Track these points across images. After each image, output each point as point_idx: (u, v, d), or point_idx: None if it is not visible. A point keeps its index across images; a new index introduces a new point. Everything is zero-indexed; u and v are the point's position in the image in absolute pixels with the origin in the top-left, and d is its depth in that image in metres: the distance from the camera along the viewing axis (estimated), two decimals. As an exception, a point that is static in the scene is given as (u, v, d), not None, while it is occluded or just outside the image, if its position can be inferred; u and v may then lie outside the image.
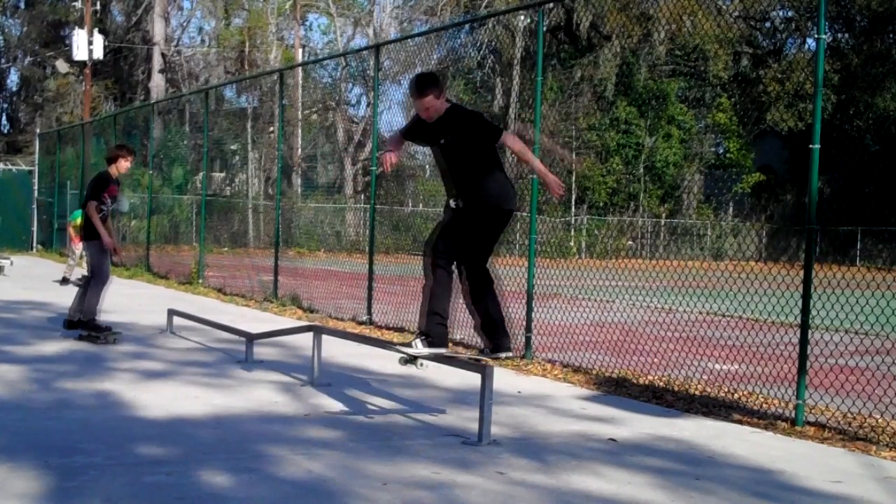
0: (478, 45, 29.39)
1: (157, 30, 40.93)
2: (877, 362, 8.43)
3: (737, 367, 8.65)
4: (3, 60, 47.10)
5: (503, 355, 5.94)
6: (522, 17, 23.57)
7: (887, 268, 23.60)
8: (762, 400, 6.86)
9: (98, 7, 34.84)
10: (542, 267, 9.58)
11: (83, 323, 9.01)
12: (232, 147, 34.46)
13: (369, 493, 4.26)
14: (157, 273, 18.25)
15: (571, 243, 30.83)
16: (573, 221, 32.55)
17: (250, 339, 8.28)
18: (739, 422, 6.29)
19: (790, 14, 36.35)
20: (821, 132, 6.26)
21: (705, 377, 7.70)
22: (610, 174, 34.84)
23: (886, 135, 30.92)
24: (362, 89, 37.18)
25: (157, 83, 40.25)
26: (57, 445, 4.92)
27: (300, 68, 32.74)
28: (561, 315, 9.75)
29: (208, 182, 20.72)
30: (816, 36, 6.49)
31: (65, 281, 16.05)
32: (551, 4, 11.17)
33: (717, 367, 8.61)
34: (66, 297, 13.19)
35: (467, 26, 26.45)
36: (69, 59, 35.06)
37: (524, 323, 8.66)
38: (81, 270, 16.20)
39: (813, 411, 6.40)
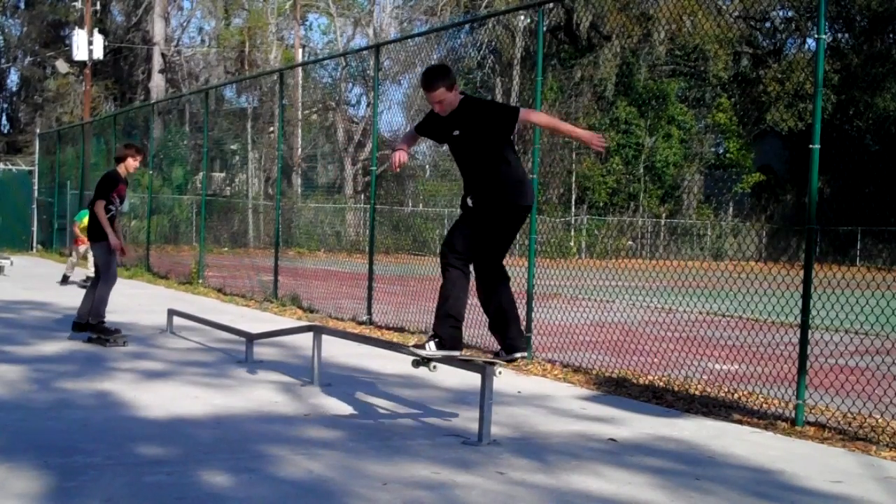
0: (478, 45, 29.37)
1: (157, 30, 40.93)
2: (877, 362, 8.43)
3: (737, 367, 8.65)
4: (3, 60, 47.11)
5: (518, 356, 5.73)
6: (522, 17, 23.59)
7: (887, 268, 23.60)
8: (762, 400, 6.86)
9: (98, 7, 34.85)
10: (542, 267, 9.58)
11: (92, 326, 8.95)
12: (232, 147, 34.45)
13: (369, 493, 4.26)
14: (157, 273, 18.25)
15: (571, 243, 30.83)
16: (573, 221, 32.56)
17: (250, 339, 8.28)
18: (739, 422, 6.29)
19: (790, 14, 36.37)
20: (821, 132, 6.26)
21: (705, 377, 7.70)
22: (610, 174, 34.84)
23: (886, 135, 30.92)
24: (362, 89, 37.22)
25: (157, 83, 40.26)
26: (57, 445, 4.92)
27: (300, 68, 32.74)
28: (561, 315, 9.75)
29: (208, 182, 20.72)
30: (816, 36, 6.49)
31: (65, 279, 16.05)
32: (551, 4, 11.17)
33: (717, 367, 8.61)
34: (65, 297, 13.21)
35: (467, 26, 26.44)
36: (69, 59, 35.06)
37: (524, 323, 8.65)
38: (83, 271, 16.22)
39: (813, 411, 6.40)
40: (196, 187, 22.73)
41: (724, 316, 10.34)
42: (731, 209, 37.04)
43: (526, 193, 5.64)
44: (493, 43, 31.58)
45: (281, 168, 15.60)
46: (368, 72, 25.93)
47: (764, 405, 6.69)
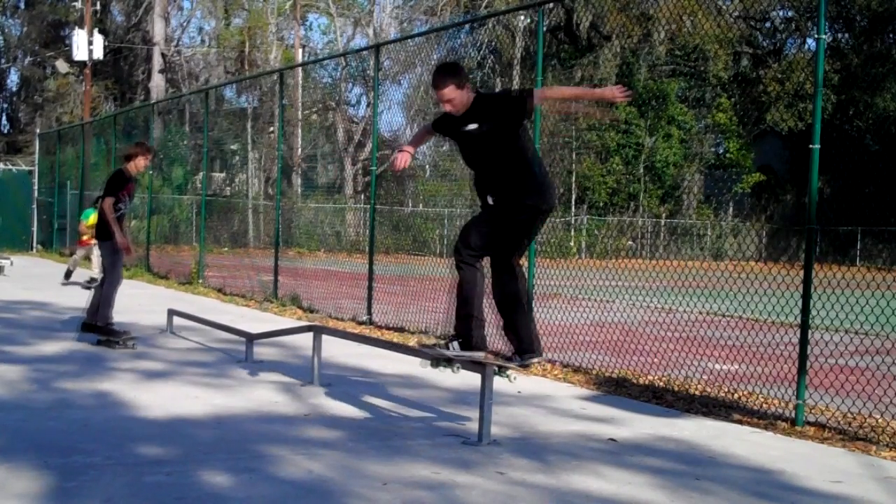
0: (478, 45, 29.35)
1: (157, 30, 40.92)
2: (877, 362, 8.43)
3: (737, 367, 8.65)
4: (3, 60, 47.11)
5: (535, 359, 5.58)
6: (522, 17, 23.60)
7: (887, 268, 23.60)
8: (762, 400, 6.86)
9: (98, 7, 34.87)
10: (542, 267, 9.58)
11: (99, 328, 8.90)
12: (232, 147, 34.46)
13: (369, 493, 4.26)
14: (157, 273, 18.24)
15: (571, 243, 30.83)
16: (573, 221, 32.56)
17: (250, 339, 8.28)
18: (739, 422, 6.29)
19: (790, 14, 36.37)
20: (821, 132, 6.26)
21: (705, 377, 7.70)
22: (610, 174, 34.85)
23: (886, 135, 30.93)
24: (362, 89, 37.24)
25: (157, 83, 40.24)
26: (57, 445, 4.91)
27: (300, 68, 32.74)
28: (561, 315, 9.75)
29: (208, 182, 20.73)
30: (816, 36, 6.49)
31: (68, 274, 15.97)
32: (551, 4, 11.16)
33: (717, 367, 8.60)
34: (65, 297, 13.21)
35: (467, 26, 26.43)
36: (69, 59, 35.08)
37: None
38: (85, 271, 16.21)
39: (813, 411, 6.40)
40: (196, 187, 22.72)
41: (724, 316, 10.34)
42: (731, 209, 37.05)
43: (549, 195, 5.49)
44: (493, 43, 31.58)
45: (281, 168, 15.61)
46: (368, 72, 25.92)
47: (764, 405, 6.69)
